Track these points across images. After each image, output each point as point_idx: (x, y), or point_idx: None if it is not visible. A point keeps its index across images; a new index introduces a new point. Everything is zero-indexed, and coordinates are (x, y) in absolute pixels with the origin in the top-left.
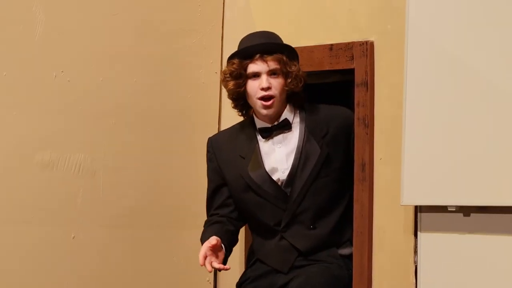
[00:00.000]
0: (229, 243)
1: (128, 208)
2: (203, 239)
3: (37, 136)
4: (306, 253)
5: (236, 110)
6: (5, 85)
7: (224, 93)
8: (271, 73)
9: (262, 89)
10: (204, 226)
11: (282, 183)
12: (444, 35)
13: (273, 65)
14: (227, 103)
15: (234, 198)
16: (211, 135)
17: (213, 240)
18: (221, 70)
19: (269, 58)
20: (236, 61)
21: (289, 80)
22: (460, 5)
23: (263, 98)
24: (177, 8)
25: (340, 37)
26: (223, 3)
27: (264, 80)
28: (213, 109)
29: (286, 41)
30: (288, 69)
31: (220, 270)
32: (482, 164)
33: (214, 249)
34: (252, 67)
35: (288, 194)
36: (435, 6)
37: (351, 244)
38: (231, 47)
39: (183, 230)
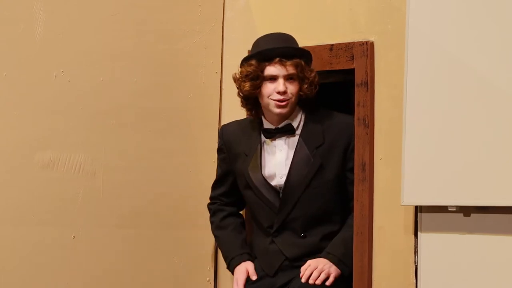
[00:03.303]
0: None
1: (128, 208)
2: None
3: (37, 136)
4: (293, 260)
5: (245, 109)
6: (5, 85)
7: (224, 93)
8: (288, 77)
9: (278, 92)
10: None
11: (280, 188)
12: (444, 36)
13: (291, 69)
14: (227, 103)
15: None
16: (210, 135)
17: (253, 276)
18: (221, 70)
19: (288, 62)
20: (254, 62)
21: (305, 86)
22: (460, 6)
23: (278, 100)
24: (177, 8)
25: (340, 37)
26: (223, 3)
27: (281, 84)
28: (213, 109)
29: None
30: (306, 74)
31: None
32: (482, 164)
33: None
34: (270, 70)
35: (281, 201)
36: (435, 6)
37: None
38: (231, 47)
39: (183, 230)
